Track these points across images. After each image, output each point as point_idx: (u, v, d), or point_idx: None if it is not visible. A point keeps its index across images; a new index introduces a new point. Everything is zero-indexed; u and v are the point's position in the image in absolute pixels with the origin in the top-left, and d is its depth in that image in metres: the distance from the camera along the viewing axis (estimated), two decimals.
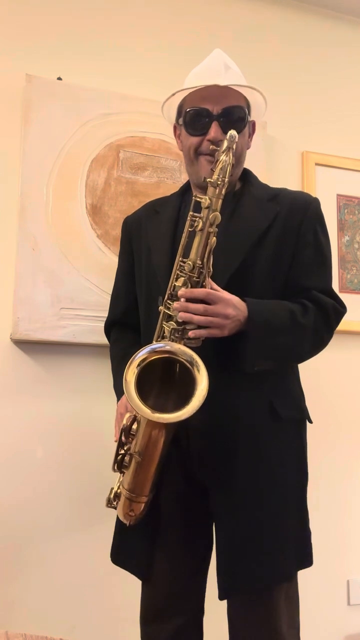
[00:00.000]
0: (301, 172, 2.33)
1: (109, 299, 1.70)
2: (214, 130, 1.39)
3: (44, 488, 1.89)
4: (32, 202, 1.92)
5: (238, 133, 1.33)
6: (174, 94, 1.45)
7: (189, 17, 2.25)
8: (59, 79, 2.01)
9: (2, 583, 1.83)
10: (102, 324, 1.70)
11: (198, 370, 1.22)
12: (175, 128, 1.53)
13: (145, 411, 1.19)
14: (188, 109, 1.43)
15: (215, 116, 1.39)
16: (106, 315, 1.68)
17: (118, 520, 1.44)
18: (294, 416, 1.45)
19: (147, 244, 1.52)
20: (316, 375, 2.26)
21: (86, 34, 2.10)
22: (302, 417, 1.48)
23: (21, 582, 1.85)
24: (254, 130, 1.52)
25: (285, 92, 2.36)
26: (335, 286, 2.27)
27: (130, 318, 1.58)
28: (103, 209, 1.99)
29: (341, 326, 2.26)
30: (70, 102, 1.99)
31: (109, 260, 1.93)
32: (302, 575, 2.13)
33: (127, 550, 1.45)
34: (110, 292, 1.70)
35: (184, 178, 1.90)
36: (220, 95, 1.40)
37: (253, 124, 1.51)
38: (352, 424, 2.30)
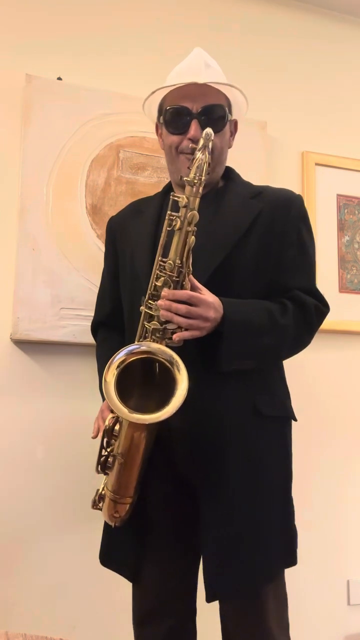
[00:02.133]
0: (301, 172, 2.33)
1: None
2: (193, 129, 1.38)
3: (43, 488, 1.89)
4: (32, 202, 1.92)
5: (218, 132, 1.34)
6: (153, 92, 1.46)
7: (190, 17, 2.25)
8: (59, 79, 2.01)
9: (2, 583, 1.83)
10: None
11: (178, 371, 1.22)
12: (157, 126, 1.53)
13: (124, 411, 1.19)
14: (168, 107, 1.43)
15: (195, 114, 1.39)
16: None
17: (106, 522, 1.44)
18: (278, 415, 1.44)
19: (130, 244, 1.52)
20: (317, 375, 2.27)
21: (86, 34, 2.10)
22: (286, 415, 1.47)
23: (21, 582, 1.85)
24: (236, 129, 1.52)
25: (286, 92, 2.36)
26: (335, 286, 2.30)
27: (116, 319, 1.57)
28: (103, 209, 1.99)
29: (341, 326, 2.28)
30: (70, 102, 1.99)
31: None
32: (302, 575, 2.13)
33: (115, 551, 1.45)
34: None
35: None
36: (199, 94, 1.40)
37: (235, 122, 1.51)
38: (353, 425, 2.30)
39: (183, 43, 2.19)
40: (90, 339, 1.90)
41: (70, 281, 1.91)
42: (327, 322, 2.23)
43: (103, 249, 1.97)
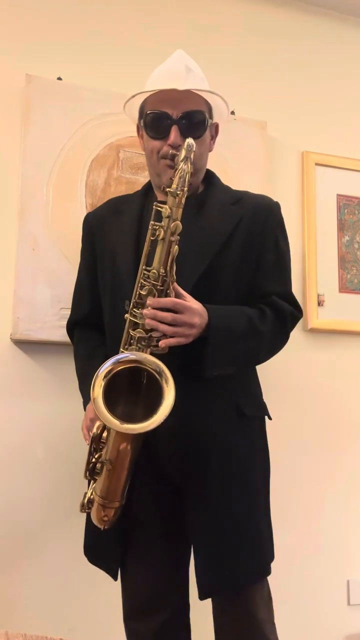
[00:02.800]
0: (301, 172, 2.33)
1: None
2: (173, 135, 1.39)
3: (43, 488, 1.89)
4: (32, 202, 1.92)
5: (198, 137, 1.36)
6: (133, 96, 1.46)
7: (190, 17, 2.25)
8: (59, 79, 2.01)
9: (2, 583, 1.83)
10: None
11: (166, 381, 1.23)
12: (138, 128, 1.53)
13: (115, 423, 1.21)
14: (148, 112, 1.43)
15: (175, 120, 1.40)
16: None
17: (89, 520, 1.45)
18: (257, 414, 1.48)
19: (111, 245, 1.51)
20: (318, 375, 2.27)
21: (86, 34, 2.10)
22: (263, 414, 1.51)
23: (21, 582, 1.85)
24: (217, 133, 1.53)
25: (286, 92, 2.36)
26: (335, 286, 2.30)
27: (94, 317, 1.57)
28: None
29: (341, 326, 2.28)
30: (70, 102, 1.99)
31: None
32: (302, 575, 2.13)
33: (101, 549, 1.47)
34: None
35: None
36: (180, 99, 1.40)
37: (216, 126, 1.52)
38: (354, 424, 2.30)
39: (183, 43, 2.19)
40: None
41: (70, 281, 1.90)
42: (327, 322, 2.26)
43: None
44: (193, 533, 1.38)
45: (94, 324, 1.58)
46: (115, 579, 1.47)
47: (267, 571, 1.41)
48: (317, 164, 2.34)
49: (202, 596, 1.35)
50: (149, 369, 1.25)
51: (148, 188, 1.58)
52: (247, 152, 2.16)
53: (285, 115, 2.34)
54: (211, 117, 1.47)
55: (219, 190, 1.53)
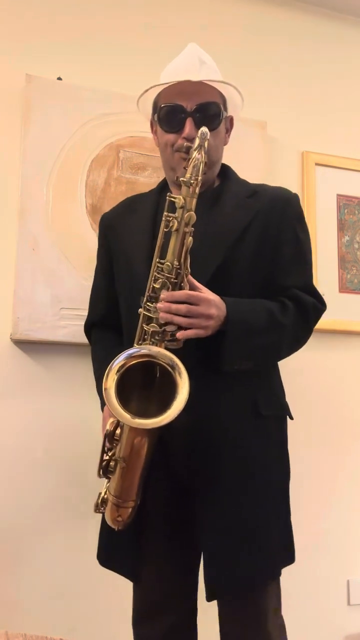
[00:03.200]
0: (301, 172, 2.33)
1: None
2: (188, 127, 1.37)
3: (44, 488, 1.89)
4: (32, 202, 1.92)
5: (213, 129, 1.33)
6: (147, 90, 1.45)
7: (190, 16, 2.25)
8: (59, 79, 2.01)
9: (2, 583, 1.83)
10: None
11: (180, 375, 1.20)
12: (151, 124, 1.52)
13: (126, 417, 1.18)
14: (162, 105, 1.42)
15: (189, 112, 1.38)
16: None
17: (104, 522, 1.43)
18: (276, 413, 1.45)
19: (126, 245, 1.50)
20: (317, 375, 2.27)
21: (86, 34, 2.10)
22: (283, 413, 1.48)
23: (21, 582, 1.85)
24: (231, 126, 1.52)
25: (286, 92, 2.36)
26: (335, 286, 2.30)
27: (111, 318, 1.56)
28: (103, 209, 1.98)
29: (341, 326, 2.28)
30: (70, 102, 1.99)
31: None
32: (302, 575, 2.13)
33: (115, 552, 1.44)
34: None
35: None
36: (194, 91, 1.39)
37: (230, 119, 1.50)
38: (353, 424, 2.30)
39: (183, 42, 2.19)
40: None
41: (70, 281, 1.92)
42: (327, 322, 2.25)
43: None
44: (201, 531, 1.36)
45: (111, 325, 1.56)
46: (135, 581, 1.44)
47: (275, 574, 1.39)
48: (317, 164, 2.34)
49: (208, 597, 1.32)
50: (162, 363, 1.23)
51: (163, 185, 1.56)
52: (247, 152, 2.16)
53: (285, 115, 2.34)
54: (226, 109, 1.45)
55: (234, 183, 1.50)
